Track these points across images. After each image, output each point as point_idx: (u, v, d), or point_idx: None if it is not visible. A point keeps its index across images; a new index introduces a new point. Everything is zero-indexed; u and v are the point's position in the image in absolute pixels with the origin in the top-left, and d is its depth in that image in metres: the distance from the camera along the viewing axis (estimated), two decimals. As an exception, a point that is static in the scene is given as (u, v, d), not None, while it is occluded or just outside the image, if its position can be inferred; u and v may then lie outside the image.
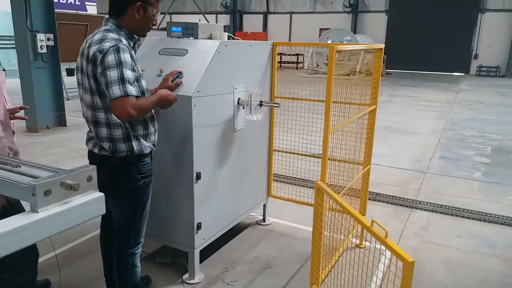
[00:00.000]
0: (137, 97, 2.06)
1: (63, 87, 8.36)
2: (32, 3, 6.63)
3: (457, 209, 4.51)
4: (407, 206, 4.59)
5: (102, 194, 1.08)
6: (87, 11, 14.09)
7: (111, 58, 2.02)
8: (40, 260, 2.68)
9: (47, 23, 6.97)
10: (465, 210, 4.47)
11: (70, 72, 12.79)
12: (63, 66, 8.96)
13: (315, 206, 2.45)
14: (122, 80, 2.01)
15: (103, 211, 1.13)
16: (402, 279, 1.59)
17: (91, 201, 1.06)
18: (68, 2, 13.57)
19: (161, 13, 26.89)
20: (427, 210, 4.50)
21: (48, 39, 6.85)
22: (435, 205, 4.60)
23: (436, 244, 3.74)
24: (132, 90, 2.03)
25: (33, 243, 0.93)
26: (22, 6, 6.53)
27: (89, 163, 2.41)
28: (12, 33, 6.96)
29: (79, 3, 13.89)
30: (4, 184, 0.96)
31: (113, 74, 2.01)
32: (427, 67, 22.27)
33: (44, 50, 6.84)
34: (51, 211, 0.96)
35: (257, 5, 26.25)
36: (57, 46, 7.15)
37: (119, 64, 2.02)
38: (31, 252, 2.37)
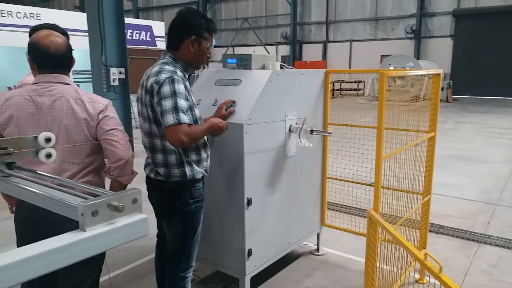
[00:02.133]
0: (189, 124, 2.17)
1: (133, 116, 8.95)
2: (108, 41, 7.26)
3: (533, 245, 4.10)
4: (475, 241, 4.25)
5: (145, 216, 1.14)
6: (156, 46, 15.06)
7: (166, 89, 2.16)
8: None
9: (119, 58, 7.57)
10: (543, 247, 4.05)
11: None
12: (133, 97, 9.61)
13: (368, 236, 2.37)
14: (175, 109, 2.13)
15: (146, 233, 1.18)
16: (458, 318, 1.48)
17: (134, 222, 1.11)
18: (140, 38, 14.64)
19: (225, 46, 28.04)
20: (497, 245, 4.14)
21: (120, 73, 7.42)
22: (507, 240, 4.22)
23: (508, 283, 3.41)
24: (185, 118, 2.15)
25: (81, 259, 0.99)
26: (99, 44, 7.17)
27: (146, 188, 2.55)
28: (88, 68, 7.64)
29: (149, 39, 14.93)
30: (57, 204, 1.06)
31: (167, 103, 2.14)
32: (498, 93, 20.81)
33: (116, 83, 7.41)
34: (97, 231, 1.02)
35: (317, 35, 26.50)
36: (128, 79, 7.71)
37: (174, 94, 2.15)
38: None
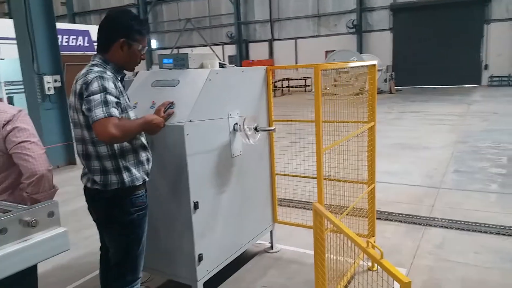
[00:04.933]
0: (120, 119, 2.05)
1: (72, 127, 8.54)
2: (38, 48, 6.86)
3: (473, 224, 4.33)
4: (421, 224, 4.43)
5: (64, 229, 1.05)
6: (95, 51, 14.50)
7: (95, 85, 2.05)
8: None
9: (53, 65, 7.19)
10: (482, 225, 4.29)
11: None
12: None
13: (314, 229, 2.37)
14: (105, 103, 2.01)
15: (68, 247, 1.09)
16: (401, 302, 1.50)
17: (52, 237, 1.03)
18: (77, 44, 14.01)
19: (169, 48, 27.55)
20: (441, 226, 4.33)
21: (56, 81, 7.05)
22: (450, 221, 4.43)
23: (453, 262, 3.58)
24: (115, 112, 2.03)
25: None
26: (29, 51, 6.77)
27: (85, 199, 2.40)
28: (20, 78, 7.21)
29: (87, 44, 14.32)
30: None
31: (96, 98, 2.02)
32: (438, 81, 22.07)
33: (52, 92, 7.03)
34: (7, 250, 0.93)
35: (262, 34, 26.72)
36: (64, 87, 7.34)
37: (103, 90, 2.05)
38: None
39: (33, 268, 2.19)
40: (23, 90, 7.64)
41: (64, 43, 12.97)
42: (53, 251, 1.03)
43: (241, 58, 26.59)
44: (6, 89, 9.85)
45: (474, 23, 21.48)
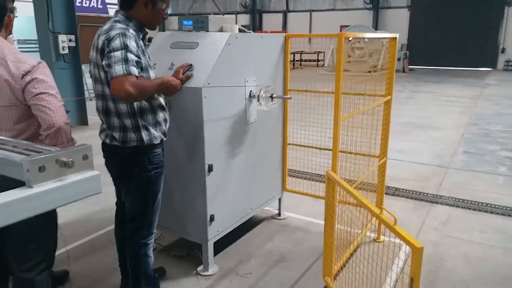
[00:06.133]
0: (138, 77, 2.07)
1: (85, 88, 8.57)
2: (54, 6, 6.82)
3: (479, 203, 4.37)
4: (428, 201, 4.48)
5: (98, 172, 1.09)
6: (108, 13, 14.36)
7: (116, 43, 2.05)
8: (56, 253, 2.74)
9: (68, 24, 7.15)
10: (488, 205, 4.33)
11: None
12: (86, 68, 9.20)
13: (326, 196, 2.42)
14: (125, 60, 2.02)
15: (99, 190, 1.13)
16: (411, 265, 1.55)
17: (86, 179, 1.06)
18: (91, 6, 13.86)
19: (182, 14, 27.19)
20: (448, 204, 4.38)
21: (70, 40, 7.03)
22: (457, 200, 4.48)
23: (457, 238, 3.64)
24: (134, 70, 2.04)
25: (28, 217, 0.94)
26: (44, 9, 6.73)
27: (103, 155, 2.45)
28: (36, 37, 7.18)
29: (101, 6, 14.17)
30: (0, 162, 0.98)
31: (117, 54, 2.03)
32: (452, 63, 21.66)
33: (66, 51, 7.02)
34: (45, 187, 0.96)
35: (277, 4, 26.19)
36: (78, 47, 7.32)
37: (124, 47, 2.05)
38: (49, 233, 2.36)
39: (55, 216, 2.27)
40: (37, 49, 7.64)
41: (78, 4, 12.83)
42: (87, 192, 1.07)
43: (254, 29, 26.16)
44: (19, 47, 9.84)
45: (495, 4, 20.87)
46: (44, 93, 2.01)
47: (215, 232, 2.99)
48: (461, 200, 4.46)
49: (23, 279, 2.15)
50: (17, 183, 0.93)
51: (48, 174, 0.96)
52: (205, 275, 3.02)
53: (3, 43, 2.00)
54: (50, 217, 2.22)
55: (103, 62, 2.09)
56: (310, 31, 25.28)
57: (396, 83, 3.41)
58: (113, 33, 2.09)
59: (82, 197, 1.05)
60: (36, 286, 2.17)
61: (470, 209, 4.27)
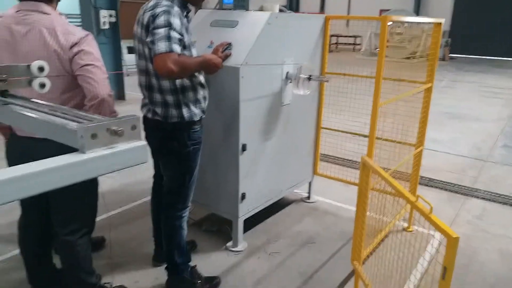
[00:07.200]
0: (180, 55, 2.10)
1: (123, 63, 8.75)
2: (96, -19, 6.94)
3: (517, 199, 4.23)
4: (462, 194, 4.36)
5: (145, 142, 1.12)
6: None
7: (161, 19, 2.08)
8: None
9: (109, 0, 7.28)
10: (527, 201, 4.18)
11: (131, 50, 13.30)
12: (124, 44, 9.35)
13: (360, 181, 2.41)
14: (168, 38, 2.04)
15: (146, 160, 1.16)
16: (445, 255, 1.54)
17: (134, 148, 1.10)
18: (131, -18, 13.98)
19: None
20: (483, 198, 4.25)
21: (110, 16, 7.17)
22: (493, 194, 4.34)
23: (491, 233, 3.55)
24: (177, 48, 2.07)
25: (80, 181, 0.98)
26: (87, -16, 6.87)
27: (144, 128, 2.52)
28: (78, 12, 7.36)
29: (141, -17, 14.27)
30: (54, 128, 1.04)
31: (160, 31, 2.05)
32: (497, 53, 20.57)
33: (107, 26, 7.17)
34: (97, 153, 1.01)
35: (315, -15, 25.58)
36: (118, 23, 7.46)
37: (168, 25, 2.07)
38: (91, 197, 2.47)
39: (96, 183, 2.37)
40: (79, 24, 7.83)
41: (118, -20, 12.97)
42: (134, 161, 1.11)
43: (291, 10, 25.74)
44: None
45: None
46: (90, 64, 2.07)
47: (245, 210, 3.04)
48: (497, 195, 4.32)
49: (66, 241, 2.28)
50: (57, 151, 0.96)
51: (100, 141, 1.00)
52: (235, 251, 3.09)
53: (54, 14, 2.07)
54: (92, 184, 2.32)
55: (148, 39, 2.13)
56: (348, 14, 24.60)
57: (436, 71, 3.30)
58: (158, 10, 2.12)
59: (129, 165, 1.09)
60: (76, 249, 2.29)
61: (506, 204, 4.13)
